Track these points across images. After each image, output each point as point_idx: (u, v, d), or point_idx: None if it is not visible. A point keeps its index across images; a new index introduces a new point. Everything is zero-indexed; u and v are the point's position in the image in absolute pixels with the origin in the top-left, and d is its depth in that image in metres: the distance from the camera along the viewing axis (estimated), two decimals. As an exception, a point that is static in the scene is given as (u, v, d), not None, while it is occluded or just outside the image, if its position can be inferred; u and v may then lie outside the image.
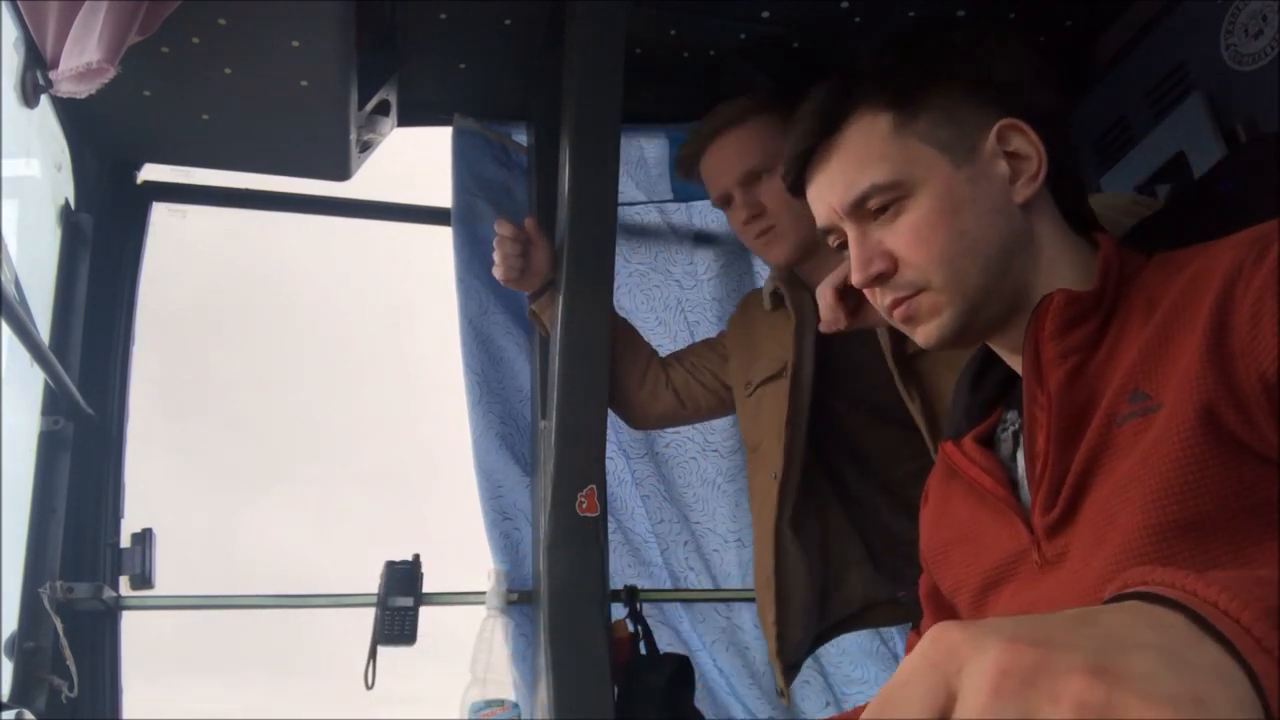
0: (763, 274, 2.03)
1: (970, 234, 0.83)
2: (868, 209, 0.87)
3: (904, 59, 0.88)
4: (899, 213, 0.85)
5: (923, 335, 0.87)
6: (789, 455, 1.48)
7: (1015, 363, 0.89)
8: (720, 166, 1.55)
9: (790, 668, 1.51)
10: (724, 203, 1.57)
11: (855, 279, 0.88)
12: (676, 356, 1.74)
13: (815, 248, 1.50)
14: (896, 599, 1.50)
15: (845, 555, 1.53)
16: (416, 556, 1.67)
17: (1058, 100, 0.88)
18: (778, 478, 1.49)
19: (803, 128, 0.90)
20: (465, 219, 1.90)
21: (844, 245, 0.90)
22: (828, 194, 0.89)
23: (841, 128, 0.88)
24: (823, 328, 1.21)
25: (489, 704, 1.52)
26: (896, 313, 0.87)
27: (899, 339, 1.40)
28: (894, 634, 1.92)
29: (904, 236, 0.85)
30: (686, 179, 1.67)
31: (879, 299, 0.89)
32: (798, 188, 0.94)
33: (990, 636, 0.37)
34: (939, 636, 0.39)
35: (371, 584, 1.65)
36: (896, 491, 1.48)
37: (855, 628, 1.58)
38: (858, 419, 1.50)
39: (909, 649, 1.07)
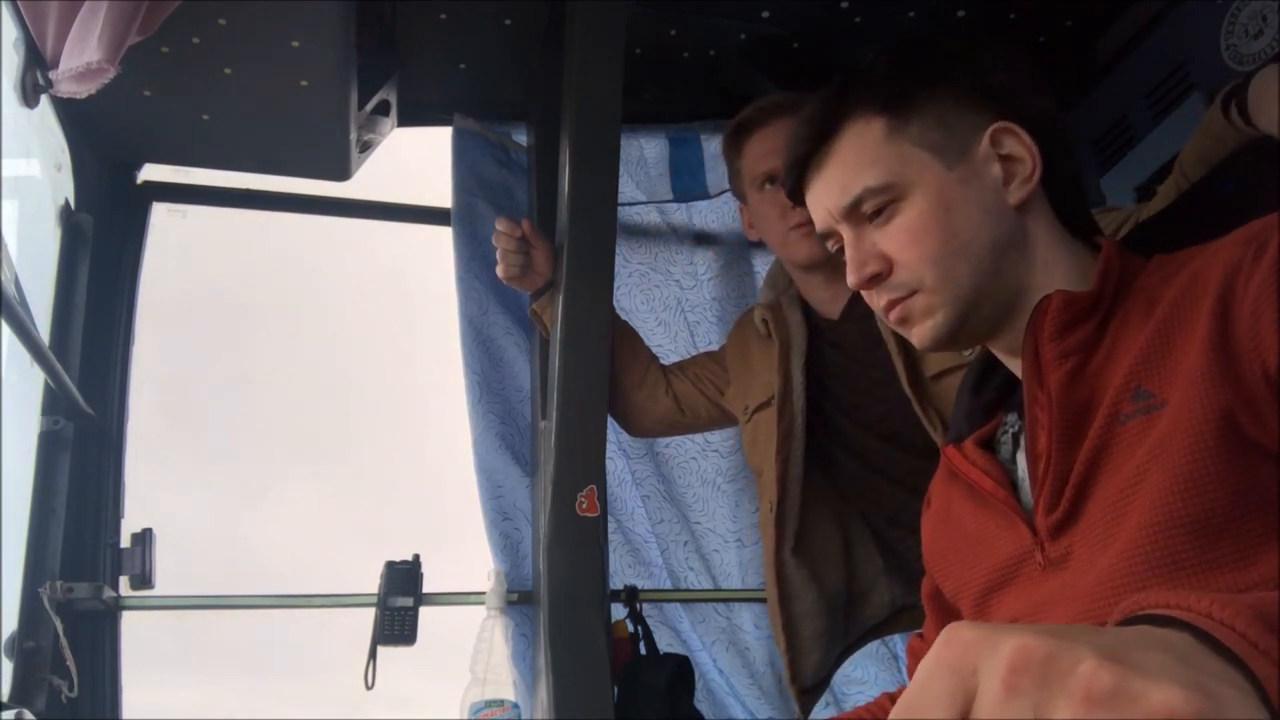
0: (763, 273, 2.02)
1: (962, 234, 0.84)
2: (862, 212, 0.88)
3: (897, 65, 0.89)
4: (893, 215, 0.86)
5: (917, 336, 0.88)
6: (783, 484, 1.47)
7: (1015, 365, 0.89)
8: (778, 146, 1.42)
9: (808, 691, 1.50)
10: (766, 181, 1.49)
11: (850, 280, 0.89)
12: (680, 366, 1.73)
13: None
14: (915, 605, 1.50)
15: (872, 566, 1.53)
16: (416, 556, 1.67)
17: (1052, 105, 0.89)
18: (774, 508, 1.48)
19: (799, 135, 0.92)
20: (465, 219, 1.90)
21: (843, 250, 0.91)
22: (824, 199, 0.91)
23: (837, 133, 0.89)
24: None
25: (489, 704, 1.52)
26: (891, 315, 0.88)
27: (913, 364, 1.37)
28: (895, 635, 1.92)
29: (898, 238, 0.86)
30: (727, 151, 1.58)
31: (875, 301, 0.90)
32: (796, 195, 0.95)
33: (1002, 635, 0.38)
34: (952, 638, 0.39)
35: (371, 584, 1.65)
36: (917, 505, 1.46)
37: (881, 635, 1.58)
38: (871, 442, 1.47)
39: (910, 652, 1.07)
